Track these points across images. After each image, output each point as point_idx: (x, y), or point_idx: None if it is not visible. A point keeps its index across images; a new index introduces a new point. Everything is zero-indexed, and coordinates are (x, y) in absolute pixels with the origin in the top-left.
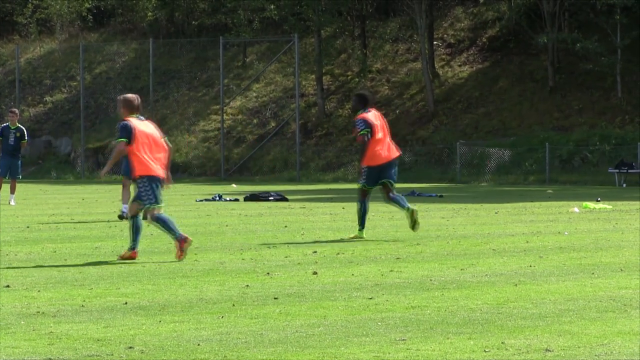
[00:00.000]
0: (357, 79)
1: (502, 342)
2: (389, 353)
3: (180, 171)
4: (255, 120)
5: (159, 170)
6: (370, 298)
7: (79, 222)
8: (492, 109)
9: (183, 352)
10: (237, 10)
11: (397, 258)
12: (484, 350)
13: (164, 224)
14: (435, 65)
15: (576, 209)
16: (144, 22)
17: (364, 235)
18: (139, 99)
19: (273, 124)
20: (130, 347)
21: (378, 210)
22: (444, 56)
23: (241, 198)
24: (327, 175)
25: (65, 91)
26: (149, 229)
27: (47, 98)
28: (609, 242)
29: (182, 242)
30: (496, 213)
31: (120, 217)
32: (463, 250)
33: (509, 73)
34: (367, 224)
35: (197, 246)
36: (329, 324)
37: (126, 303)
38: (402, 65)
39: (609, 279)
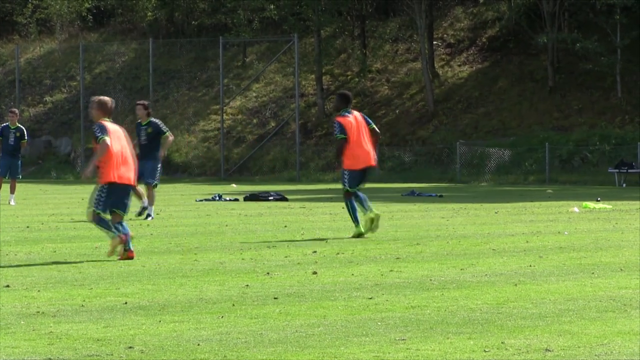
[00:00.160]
0: (356, 79)
1: (502, 342)
2: (389, 353)
3: (180, 171)
4: (255, 120)
5: (125, 179)
6: (370, 298)
7: (79, 222)
8: (492, 109)
9: (183, 352)
10: (237, 10)
11: (397, 258)
12: (484, 350)
13: (104, 225)
14: (435, 65)
15: (576, 209)
16: (144, 22)
17: (363, 230)
18: (113, 103)
19: (273, 124)
20: (130, 347)
21: (378, 210)
22: (443, 56)
23: (241, 198)
24: (327, 175)
25: (65, 91)
26: (148, 229)
27: (47, 98)
28: (608, 242)
29: (123, 238)
30: (496, 213)
31: (139, 214)
32: (463, 250)
33: (509, 73)
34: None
35: (197, 246)
36: (328, 323)
37: (126, 303)
38: (402, 65)
39: (608, 279)
